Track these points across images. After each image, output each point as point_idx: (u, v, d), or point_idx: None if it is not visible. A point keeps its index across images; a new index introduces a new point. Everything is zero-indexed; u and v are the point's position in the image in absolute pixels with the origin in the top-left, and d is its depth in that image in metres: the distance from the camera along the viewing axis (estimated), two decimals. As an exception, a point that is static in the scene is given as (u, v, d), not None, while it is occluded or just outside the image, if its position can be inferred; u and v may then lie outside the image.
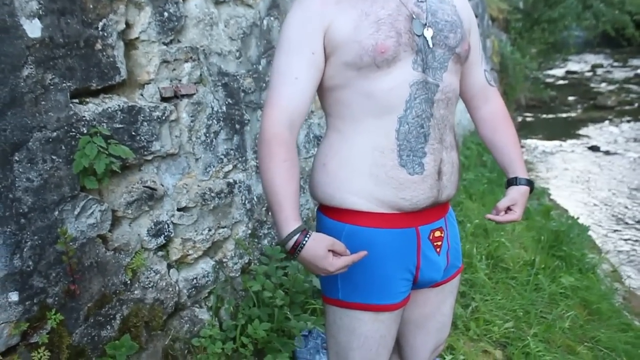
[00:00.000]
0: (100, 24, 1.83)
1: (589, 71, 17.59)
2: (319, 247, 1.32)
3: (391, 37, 1.38)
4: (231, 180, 2.43)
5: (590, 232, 5.35)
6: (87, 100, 1.82)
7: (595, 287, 4.02)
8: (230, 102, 2.40)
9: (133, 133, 1.95)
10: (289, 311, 2.46)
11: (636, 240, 5.93)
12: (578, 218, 5.44)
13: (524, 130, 10.26)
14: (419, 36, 1.42)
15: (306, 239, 1.32)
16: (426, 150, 1.43)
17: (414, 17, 1.44)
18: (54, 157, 1.69)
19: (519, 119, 10.87)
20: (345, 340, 1.53)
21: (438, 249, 1.53)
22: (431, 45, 1.44)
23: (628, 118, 11.43)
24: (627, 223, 6.38)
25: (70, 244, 1.72)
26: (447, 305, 1.68)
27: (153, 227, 2.06)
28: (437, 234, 1.53)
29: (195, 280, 2.27)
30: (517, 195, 1.60)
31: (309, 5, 1.43)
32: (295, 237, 1.32)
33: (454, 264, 1.62)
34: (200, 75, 2.24)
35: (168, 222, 2.13)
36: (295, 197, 1.37)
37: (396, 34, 1.39)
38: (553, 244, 4.41)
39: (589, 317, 3.59)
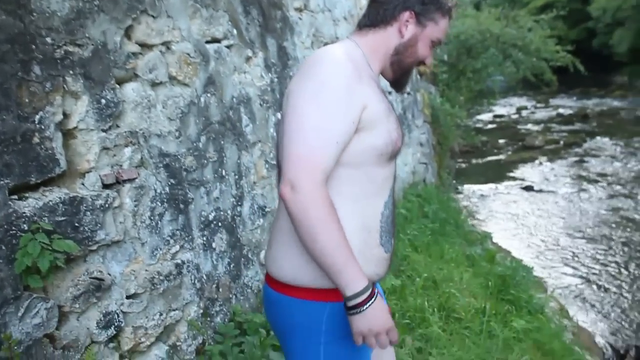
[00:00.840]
0: (37, 117, 1.81)
1: (515, 114, 18.43)
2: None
3: (401, 134, 1.52)
4: (179, 261, 2.40)
5: (534, 272, 5.50)
6: (27, 195, 1.78)
7: (546, 327, 4.11)
8: (173, 182, 2.39)
9: (76, 224, 1.91)
10: (249, 389, 2.40)
11: (579, 276, 6.13)
12: (522, 260, 5.59)
13: (461, 177, 10.57)
14: None
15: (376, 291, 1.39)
16: (392, 231, 1.56)
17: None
18: (-6, 258, 1.64)
19: (455, 166, 11.20)
20: None
21: None
22: None
23: (555, 156, 11.98)
24: (567, 259, 6.60)
25: (15, 348, 1.64)
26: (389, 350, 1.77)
27: (102, 318, 2.00)
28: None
29: (149, 368, 2.20)
30: None
31: (349, 72, 1.42)
32: (371, 289, 1.37)
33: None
34: (141, 158, 2.24)
35: (117, 311, 2.07)
36: None
37: (402, 131, 1.54)
38: (501, 288, 4.50)
39: (543, 358, 3.66)
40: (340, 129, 1.38)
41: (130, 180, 2.17)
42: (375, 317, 1.36)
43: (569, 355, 3.85)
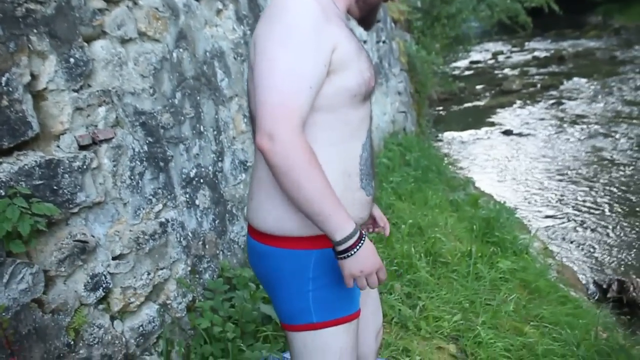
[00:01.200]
0: (3, 79, 1.74)
1: (491, 59, 18.39)
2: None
3: (373, 73, 1.47)
4: (163, 220, 2.37)
5: (517, 214, 5.58)
6: (0, 160, 1.73)
7: (531, 267, 4.19)
8: (151, 140, 2.35)
9: (55, 187, 1.87)
10: (242, 342, 2.42)
11: (561, 216, 6.22)
12: (505, 203, 5.65)
13: (440, 125, 10.59)
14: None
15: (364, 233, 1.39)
16: (372, 173, 1.54)
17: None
18: (-28, 226, 1.59)
19: (434, 113, 11.20)
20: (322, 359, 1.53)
21: None
22: None
23: (533, 99, 12.01)
24: (549, 200, 6.68)
25: (4, 314, 1.62)
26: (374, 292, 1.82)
27: (90, 281, 1.98)
28: None
29: (141, 327, 2.19)
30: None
31: (316, 13, 1.35)
32: (359, 231, 1.36)
33: None
34: (117, 117, 2.18)
35: (104, 273, 2.05)
36: None
37: (374, 70, 1.49)
38: (485, 231, 4.57)
39: (530, 296, 3.74)
40: (312, 72, 1.33)
41: (107, 141, 2.12)
42: (365, 258, 1.36)
43: (554, 292, 3.93)
